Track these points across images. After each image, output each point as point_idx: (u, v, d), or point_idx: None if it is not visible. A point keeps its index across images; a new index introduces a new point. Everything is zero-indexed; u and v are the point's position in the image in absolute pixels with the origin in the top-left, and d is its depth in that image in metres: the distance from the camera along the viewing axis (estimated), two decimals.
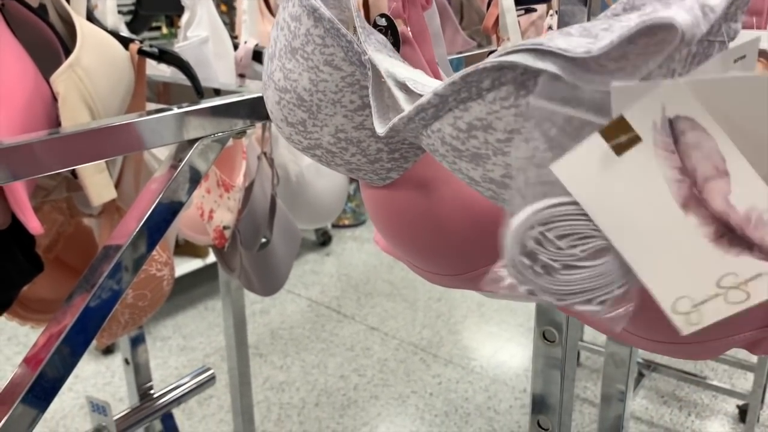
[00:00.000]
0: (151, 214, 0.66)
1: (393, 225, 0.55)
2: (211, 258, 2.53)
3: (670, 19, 0.25)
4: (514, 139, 0.32)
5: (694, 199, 0.26)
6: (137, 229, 0.65)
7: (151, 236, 0.66)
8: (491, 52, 0.69)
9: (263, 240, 1.05)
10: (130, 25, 1.16)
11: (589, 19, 0.57)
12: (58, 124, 0.72)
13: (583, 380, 2.02)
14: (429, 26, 0.54)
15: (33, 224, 0.66)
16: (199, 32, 0.90)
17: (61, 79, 0.69)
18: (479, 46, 1.24)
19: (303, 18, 0.43)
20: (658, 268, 0.28)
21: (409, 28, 0.51)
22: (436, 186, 0.51)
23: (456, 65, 1.05)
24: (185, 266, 2.48)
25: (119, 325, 0.86)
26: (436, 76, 0.53)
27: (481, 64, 0.31)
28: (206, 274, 2.61)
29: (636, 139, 0.26)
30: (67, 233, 0.99)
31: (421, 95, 0.38)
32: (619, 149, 0.27)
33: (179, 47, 0.87)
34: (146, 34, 2.39)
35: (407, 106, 0.38)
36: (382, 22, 0.49)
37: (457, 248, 0.54)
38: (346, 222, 3.24)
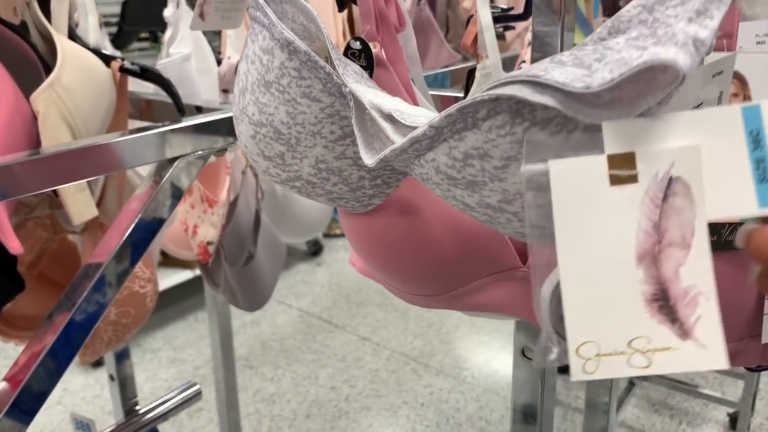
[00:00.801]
0: (132, 230, 0.66)
1: (376, 250, 0.54)
2: None
3: (672, 61, 0.25)
4: (511, 165, 0.32)
5: (651, 256, 0.27)
6: (118, 246, 0.65)
7: (132, 253, 0.66)
8: (473, 69, 0.70)
9: (247, 255, 1.05)
10: (114, 40, 1.17)
11: (562, 38, 0.58)
12: (39, 142, 0.72)
13: (575, 389, 2.02)
14: (404, 48, 0.54)
15: (13, 244, 0.66)
16: (181, 49, 0.90)
17: (41, 98, 0.69)
18: (464, 59, 1.24)
19: (276, 51, 0.42)
20: (584, 304, 0.28)
21: (383, 51, 0.51)
22: (419, 208, 0.51)
23: (441, 79, 1.06)
24: (175, 277, 2.48)
25: (102, 342, 0.86)
26: (412, 98, 0.53)
27: (477, 96, 0.31)
28: (196, 286, 2.60)
29: (633, 179, 0.27)
30: (51, 249, 0.98)
31: (409, 126, 0.38)
32: (614, 180, 0.28)
33: (161, 64, 0.88)
34: (136, 44, 2.39)
35: (396, 137, 0.38)
36: (357, 45, 0.50)
37: (440, 269, 0.54)
38: (338, 231, 3.24)
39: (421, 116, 0.40)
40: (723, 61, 0.33)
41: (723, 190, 0.26)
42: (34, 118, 0.71)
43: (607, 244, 0.27)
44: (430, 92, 0.84)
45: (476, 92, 0.72)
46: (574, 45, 0.84)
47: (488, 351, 2.25)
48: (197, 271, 2.52)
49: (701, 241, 0.26)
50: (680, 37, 0.26)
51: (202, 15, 0.50)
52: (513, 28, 0.92)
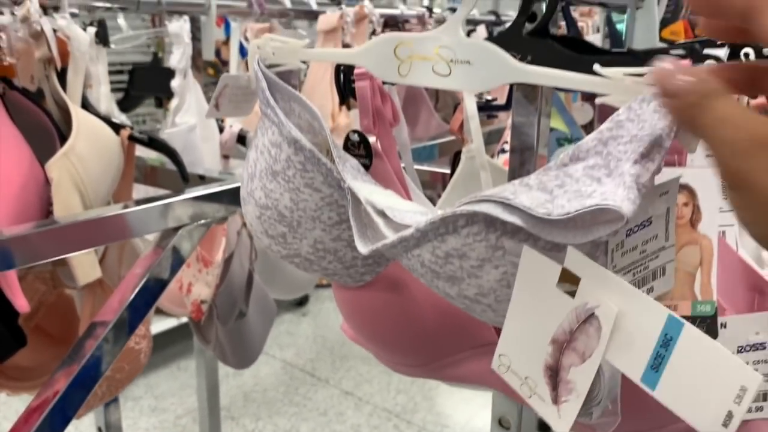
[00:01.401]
0: (136, 294, 0.70)
1: (365, 322, 0.59)
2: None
3: (618, 208, 0.31)
4: (485, 265, 0.38)
5: (559, 346, 0.36)
6: (122, 309, 0.69)
7: (135, 315, 0.70)
8: (458, 152, 0.75)
9: (239, 313, 1.09)
10: (121, 104, 1.22)
11: (539, 129, 0.63)
12: (49, 204, 0.76)
13: None
14: (397, 137, 0.60)
15: (20, 302, 0.69)
16: (187, 119, 0.95)
17: (56, 165, 0.73)
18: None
19: (283, 146, 0.48)
20: (514, 338, 0.38)
21: (378, 143, 0.56)
22: (407, 285, 0.56)
23: (430, 149, 1.12)
24: (159, 325, 2.47)
25: (96, 396, 0.88)
26: (402, 184, 0.58)
27: (457, 210, 0.36)
28: (180, 333, 2.60)
29: (572, 294, 0.34)
30: (48, 302, 1.01)
31: (399, 224, 0.43)
32: (559, 286, 0.35)
33: (168, 133, 0.93)
34: None
35: (387, 231, 0.43)
36: (355, 137, 0.55)
37: (424, 342, 0.58)
38: (324, 282, 3.26)
39: (410, 212, 0.45)
40: (669, 183, 0.38)
41: (626, 350, 0.33)
42: (47, 182, 0.75)
43: (540, 320, 0.36)
44: (422, 166, 0.90)
45: (459, 177, 0.77)
46: (551, 130, 0.91)
47: (471, 408, 2.26)
48: (182, 319, 2.52)
49: (593, 363, 0.34)
50: (627, 179, 0.31)
51: (216, 106, 0.56)
52: (496, 116, 0.99)
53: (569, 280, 0.34)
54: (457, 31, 0.44)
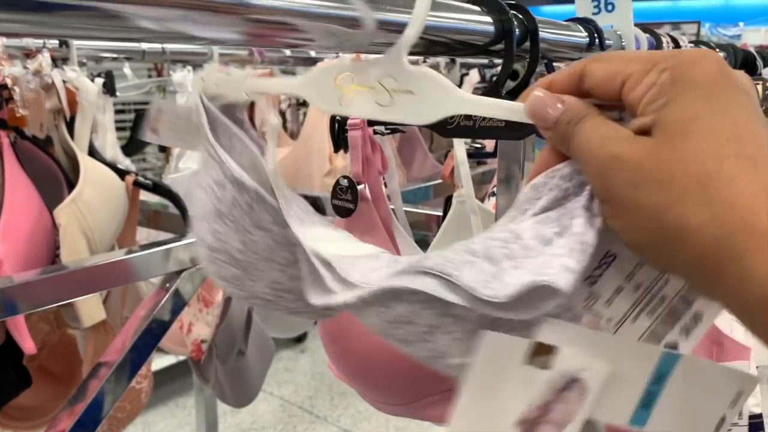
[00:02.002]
0: (140, 335, 0.72)
1: (345, 356, 0.61)
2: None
3: (553, 283, 0.29)
4: (435, 332, 0.36)
5: (529, 425, 0.33)
6: (126, 350, 0.71)
7: (137, 357, 0.73)
8: (450, 196, 0.79)
9: (238, 351, 1.11)
10: (125, 148, 1.26)
11: (522, 170, 0.65)
12: (56, 248, 0.79)
13: None
14: (388, 183, 0.63)
15: (28, 345, 0.72)
16: (190, 164, 0.99)
17: (64, 211, 0.77)
18: None
19: (227, 185, 0.44)
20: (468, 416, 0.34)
21: (367, 189, 0.59)
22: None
23: (424, 192, 1.16)
24: (157, 362, 2.47)
25: None
26: (389, 230, 0.61)
27: (397, 284, 0.35)
28: (178, 371, 2.59)
29: (547, 366, 0.32)
30: (51, 342, 1.04)
31: (344, 278, 0.40)
32: (529, 360, 0.32)
33: (171, 178, 0.96)
34: None
35: (333, 285, 0.40)
36: (344, 182, 0.58)
37: (402, 381, 0.60)
38: None
39: (360, 258, 0.42)
40: None
41: (612, 397, 0.31)
42: (55, 227, 0.79)
43: (500, 404, 0.33)
44: (416, 209, 0.93)
45: (450, 220, 0.79)
46: None
47: None
48: (180, 357, 2.52)
49: (574, 427, 0.32)
50: (571, 241, 0.31)
51: (155, 131, 0.55)
52: (485, 163, 1.03)
53: (542, 353, 0.32)
54: (400, 58, 0.38)
